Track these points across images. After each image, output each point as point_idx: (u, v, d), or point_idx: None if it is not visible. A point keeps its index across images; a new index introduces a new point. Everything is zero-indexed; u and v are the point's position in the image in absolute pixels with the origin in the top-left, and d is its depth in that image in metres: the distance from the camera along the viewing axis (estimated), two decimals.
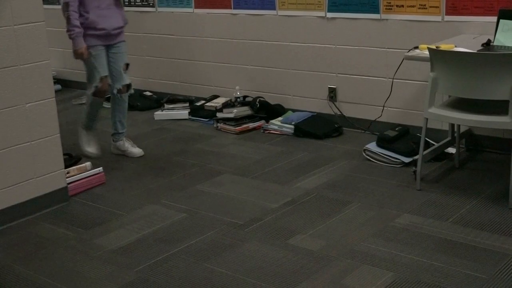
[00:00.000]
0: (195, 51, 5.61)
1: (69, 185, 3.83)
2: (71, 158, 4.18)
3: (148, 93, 5.99)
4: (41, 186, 3.67)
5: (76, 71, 6.74)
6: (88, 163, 4.09)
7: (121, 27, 4.44)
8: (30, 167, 3.61)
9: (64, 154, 3.86)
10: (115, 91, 4.48)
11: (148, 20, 5.91)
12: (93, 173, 4.01)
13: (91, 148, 4.52)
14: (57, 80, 6.43)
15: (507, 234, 3.12)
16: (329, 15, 4.76)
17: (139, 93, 6.03)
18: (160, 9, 5.79)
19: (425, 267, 2.86)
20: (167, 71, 5.90)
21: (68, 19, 4.20)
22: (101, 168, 4.08)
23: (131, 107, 5.81)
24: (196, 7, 5.51)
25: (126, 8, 6.01)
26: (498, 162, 4.02)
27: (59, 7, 6.61)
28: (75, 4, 4.19)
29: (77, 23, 4.20)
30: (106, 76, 4.38)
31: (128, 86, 4.55)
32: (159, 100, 5.83)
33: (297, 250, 3.08)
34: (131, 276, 2.94)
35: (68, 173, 3.89)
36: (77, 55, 4.28)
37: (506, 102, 3.32)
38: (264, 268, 2.93)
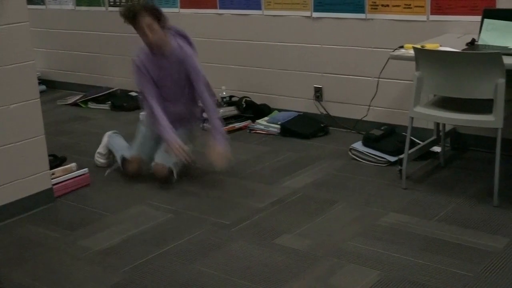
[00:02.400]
0: None
1: (54, 186, 3.81)
2: (56, 159, 4.16)
3: (134, 94, 5.96)
4: (26, 187, 3.64)
5: (61, 72, 6.71)
6: (73, 164, 4.06)
7: (182, 115, 4.02)
8: (15, 168, 3.58)
9: (49, 155, 3.84)
10: (151, 167, 4.00)
11: None
12: (79, 174, 3.99)
13: (100, 158, 4.34)
14: (41, 81, 6.38)
15: (493, 232, 3.14)
16: (315, 14, 4.77)
17: (125, 94, 6.02)
18: None
19: (411, 265, 2.87)
20: None
21: (149, 111, 3.92)
22: (86, 169, 4.06)
23: (117, 108, 5.82)
24: (181, 7, 5.50)
25: (111, 9, 6.04)
26: (483, 161, 4.04)
27: (44, 7, 6.63)
28: (149, 92, 3.89)
29: (160, 114, 3.85)
30: (137, 157, 4.01)
31: (169, 171, 3.91)
32: None
33: (284, 249, 3.08)
34: (117, 277, 2.92)
35: (53, 174, 3.86)
36: (175, 151, 3.81)
37: (490, 101, 3.34)
38: (250, 268, 2.93)
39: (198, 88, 3.92)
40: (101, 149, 4.36)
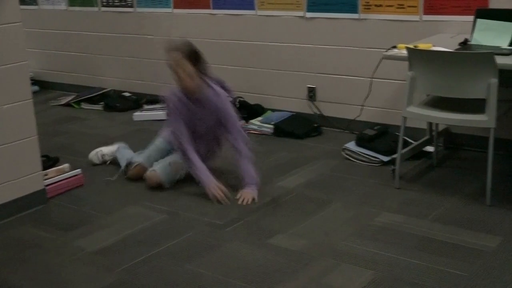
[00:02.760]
0: None
1: (47, 187, 3.80)
2: (49, 160, 4.15)
3: (127, 94, 5.96)
4: (19, 188, 3.63)
5: (54, 72, 6.70)
6: (66, 165, 4.06)
7: (202, 153, 3.89)
8: (8, 169, 3.57)
9: (42, 156, 3.83)
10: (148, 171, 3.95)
11: (127, 20, 5.88)
12: (72, 175, 3.98)
13: (97, 157, 4.35)
14: (34, 81, 6.37)
15: (486, 231, 3.15)
16: (308, 15, 4.77)
17: (118, 94, 6.01)
18: (139, 9, 5.77)
19: (404, 265, 2.88)
20: (146, 71, 5.88)
21: (182, 154, 3.79)
22: (79, 169, 4.05)
23: (110, 108, 5.80)
24: (175, 7, 5.50)
25: (104, 9, 6.02)
26: (476, 160, 4.06)
27: (37, 7, 6.61)
28: (183, 134, 3.75)
29: (195, 157, 3.74)
30: (142, 165, 4.00)
31: (159, 184, 3.88)
32: (138, 101, 5.80)
33: (278, 249, 3.08)
34: (111, 277, 2.92)
35: (46, 175, 3.85)
36: (213, 193, 3.67)
37: (483, 100, 3.36)
38: (245, 268, 2.93)
39: (232, 137, 3.78)
40: (106, 150, 4.36)
